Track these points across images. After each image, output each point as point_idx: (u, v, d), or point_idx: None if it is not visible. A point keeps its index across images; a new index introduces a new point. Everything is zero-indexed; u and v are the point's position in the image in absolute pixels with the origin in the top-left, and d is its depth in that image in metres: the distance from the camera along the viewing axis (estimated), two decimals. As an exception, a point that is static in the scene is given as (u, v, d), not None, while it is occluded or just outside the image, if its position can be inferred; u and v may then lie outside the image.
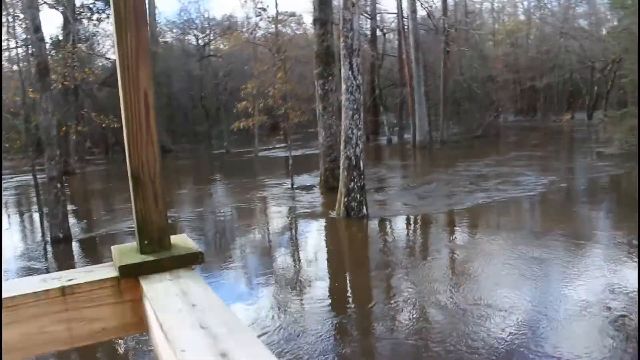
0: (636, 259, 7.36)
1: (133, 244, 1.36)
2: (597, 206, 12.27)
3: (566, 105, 47.98)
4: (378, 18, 35.24)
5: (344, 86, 10.96)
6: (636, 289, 6.12)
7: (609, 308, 5.76)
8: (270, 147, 29.31)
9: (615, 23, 40.11)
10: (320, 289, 7.21)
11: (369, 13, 32.44)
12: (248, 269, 8.33)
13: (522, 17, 54.28)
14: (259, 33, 27.50)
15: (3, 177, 15.47)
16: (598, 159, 19.84)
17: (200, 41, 37.74)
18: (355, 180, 10.98)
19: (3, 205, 12.90)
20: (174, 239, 1.37)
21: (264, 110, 18.19)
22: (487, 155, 22.36)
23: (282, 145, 27.90)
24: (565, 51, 45.32)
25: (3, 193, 15.57)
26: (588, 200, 12.85)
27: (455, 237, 9.84)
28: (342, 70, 10.96)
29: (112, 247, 1.40)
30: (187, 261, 1.31)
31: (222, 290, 7.02)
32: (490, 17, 52.93)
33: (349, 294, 7.20)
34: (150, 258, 1.27)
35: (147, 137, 1.25)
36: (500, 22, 54.09)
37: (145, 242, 1.30)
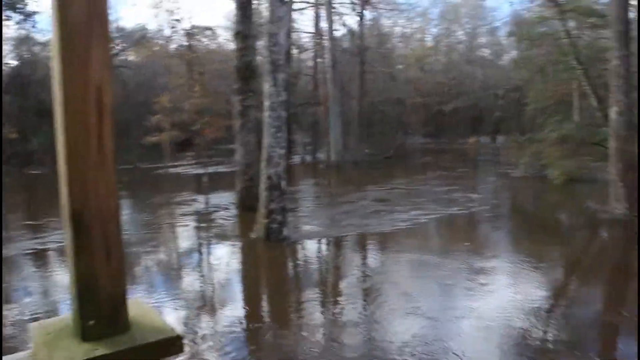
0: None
1: (66, 319, 0.86)
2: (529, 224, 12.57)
3: (471, 129, 50.00)
4: (294, 36, 35.15)
5: (267, 103, 10.51)
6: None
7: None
8: (182, 163, 28.23)
9: (514, 54, 42.47)
10: (237, 312, 6.69)
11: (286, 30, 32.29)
12: (155, 292, 7.60)
13: (430, 44, 56.21)
14: (173, 46, 26.59)
15: None
16: (509, 181, 20.54)
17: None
18: (276, 200, 10.53)
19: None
20: (132, 311, 0.89)
21: (178, 125, 17.38)
22: (400, 176, 22.62)
23: (195, 162, 26.96)
24: (471, 78, 47.39)
25: None
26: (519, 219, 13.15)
27: (376, 259, 9.67)
28: (266, 86, 10.52)
29: (31, 325, 0.89)
30: (157, 351, 0.83)
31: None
32: (401, 41, 54.37)
33: (266, 319, 6.70)
34: (99, 351, 0.79)
35: (99, 156, 0.79)
36: (410, 48, 55.69)
37: (90, 322, 0.81)
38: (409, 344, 5.44)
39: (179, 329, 4.65)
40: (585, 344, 5.67)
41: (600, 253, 10.50)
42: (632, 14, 13.33)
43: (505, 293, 7.29)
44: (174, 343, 0.83)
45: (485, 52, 51.41)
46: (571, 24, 22.74)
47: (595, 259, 9.98)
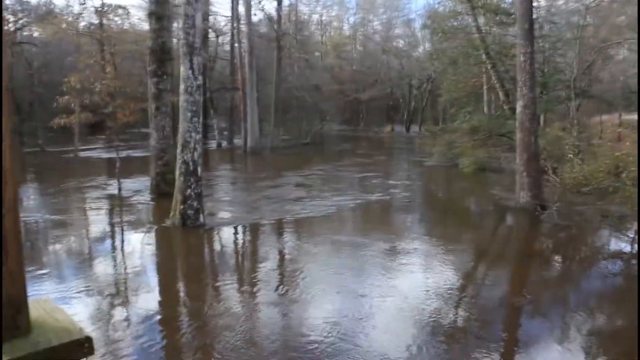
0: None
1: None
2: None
3: (386, 118, 51.19)
4: (211, 19, 34.46)
5: (182, 86, 10.25)
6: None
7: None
8: (93, 147, 27.11)
9: (428, 46, 43.82)
10: (152, 299, 6.54)
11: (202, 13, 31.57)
12: (65, 281, 7.27)
13: (347, 32, 56.84)
14: (83, 23, 25.34)
15: None
16: (422, 169, 21.17)
17: (10, 25, 33.81)
18: (193, 186, 10.33)
19: None
20: (36, 312, 0.82)
21: (89, 107, 16.62)
22: (318, 162, 22.82)
23: (106, 145, 25.95)
24: (387, 67, 48.38)
25: None
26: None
27: (294, 245, 9.72)
28: (182, 69, 10.24)
29: None
30: (65, 355, 0.78)
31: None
32: (318, 28, 54.64)
33: (181, 307, 6.59)
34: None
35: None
36: (327, 35, 56.10)
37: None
38: (323, 320, 5.53)
39: (87, 327, 4.44)
40: (493, 322, 5.98)
41: (506, 238, 11.08)
42: (535, 14, 14.07)
43: (422, 274, 7.55)
44: (83, 345, 0.78)
45: (401, 43, 52.58)
46: (481, 19, 23.68)
47: (502, 243, 10.53)
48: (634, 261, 8.74)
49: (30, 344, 0.67)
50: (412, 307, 6.24)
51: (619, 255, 9.26)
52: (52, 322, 0.74)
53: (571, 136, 17.34)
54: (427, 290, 6.87)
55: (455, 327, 5.83)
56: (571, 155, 14.58)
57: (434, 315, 6.04)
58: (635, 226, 10.84)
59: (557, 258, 9.23)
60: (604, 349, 5.44)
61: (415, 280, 7.43)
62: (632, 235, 10.46)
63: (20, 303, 0.70)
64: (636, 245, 9.72)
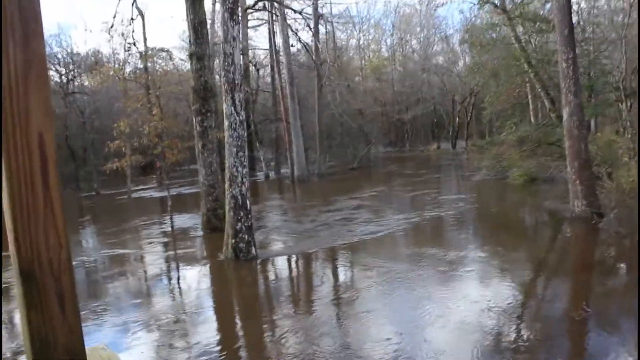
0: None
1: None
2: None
3: (431, 135, 50.80)
4: (250, 54, 35.21)
5: (226, 122, 10.48)
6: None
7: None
8: (145, 187, 27.85)
9: (468, 60, 43.48)
10: (209, 335, 6.59)
11: (241, 49, 32.29)
12: (126, 318, 7.43)
13: (385, 54, 56.97)
14: (128, 69, 26.30)
15: None
16: (472, 184, 20.84)
17: (63, 77, 35.44)
18: (243, 220, 10.47)
19: None
20: (94, 359, 0.87)
21: (139, 149, 17.16)
22: (366, 186, 22.76)
23: (158, 185, 26.63)
24: (428, 85, 48.17)
25: None
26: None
27: (345, 271, 9.70)
28: (224, 106, 10.48)
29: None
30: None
31: (99, 340, 6.19)
32: (357, 53, 54.97)
33: (241, 341, 6.63)
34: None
35: (46, 207, 0.77)
36: (366, 59, 56.37)
37: (48, 378, 0.79)
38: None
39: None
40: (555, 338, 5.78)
41: (564, 248, 10.73)
42: (576, 18, 13.77)
43: (482, 287, 7.39)
44: None
45: (440, 60, 52.32)
46: (520, 29, 23.36)
47: (560, 254, 10.20)
48: None
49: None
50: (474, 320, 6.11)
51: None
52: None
53: (624, 139, 16.79)
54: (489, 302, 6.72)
55: (518, 343, 5.66)
56: (626, 159, 14.09)
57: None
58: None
59: (621, 266, 8.88)
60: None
61: (471, 298, 7.27)
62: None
63: (79, 353, 0.74)
64: None
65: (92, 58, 35.73)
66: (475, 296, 7.38)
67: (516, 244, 10.98)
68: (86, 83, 36.41)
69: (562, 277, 8.53)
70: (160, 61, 27.80)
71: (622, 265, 8.96)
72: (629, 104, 19.14)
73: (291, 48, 28.89)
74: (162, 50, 24.08)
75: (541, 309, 6.90)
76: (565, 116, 12.02)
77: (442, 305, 6.99)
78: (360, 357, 5.71)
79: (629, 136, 16.69)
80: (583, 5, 25.84)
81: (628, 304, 6.92)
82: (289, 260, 11.12)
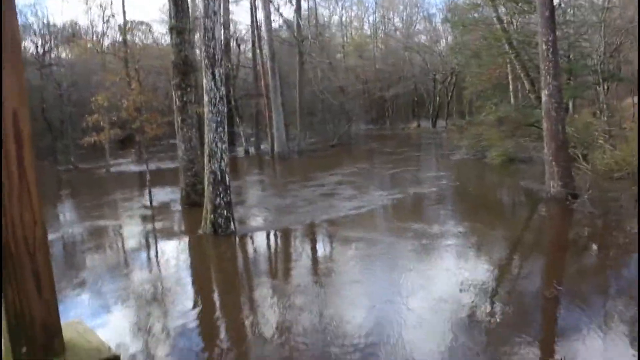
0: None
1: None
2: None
3: (412, 114, 50.91)
4: (231, 28, 34.79)
5: (206, 98, 10.40)
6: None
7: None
8: (124, 161, 27.57)
9: (450, 40, 43.50)
10: (187, 308, 6.64)
11: (221, 23, 31.87)
12: (104, 291, 7.44)
13: (368, 32, 56.68)
14: (107, 42, 25.85)
15: None
16: (452, 163, 21.01)
17: (39, 48, 34.67)
18: (222, 195, 10.46)
19: None
20: (69, 334, 0.89)
21: (117, 123, 16.94)
22: (347, 163, 22.81)
23: (136, 159, 26.36)
24: (410, 64, 48.13)
25: None
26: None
27: (323, 246, 9.80)
28: (205, 81, 10.40)
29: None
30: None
31: (78, 311, 6.22)
32: (339, 30, 54.60)
33: (218, 313, 6.69)
34: (31, 382, 0.78)
35: (21, 186, 0.78)
36: (348, 36, 56.04)
37: (23, 349, 0.81)
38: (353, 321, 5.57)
39: (125, 333, 4.55)
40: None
41: (538, 228, 10.92)
42: (556, 0, 13.83)
43: (455, 269, 7.52)
44: None
45: (423, 39, 52.19)
46: (502, 9, 23.37)
47: (535, 233, 10.38)
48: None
49: (66, 366, 0.72)
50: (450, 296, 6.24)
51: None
52: (84, 343, 0.79)
53: (601, 121, 17.02)
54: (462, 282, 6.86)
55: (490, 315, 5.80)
56: (602, 141, 14.31)
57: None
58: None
59: (593, 246, 9.08)
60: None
61: (448, 274, 7.40)
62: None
63: (55, 328, 0.75)
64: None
65: (70, 30, 34.98)
66: (454, 271, 7.55)
67: (493, 222, 11.17)
68: (63, 55, 35.72)
69: (536, 255, 8.71)
70: (140, 34, 27.41)
71: (594, 245, 9.18)
72: (606, 87, 19.38)
73: (273, 24, 28.62)
74: (142, 23, 23.68)
75: (515, 286, 7.07)
76: (544, 98, 12.13)
77: (423, 277, 7.12)
78: (340, 324, 5.81)
79: (605, 119, 16.93)
80: (565, -13, 25.93)
81: (598, 282, 7.13)
82: (268, 236, 11.18)
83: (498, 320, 5.86)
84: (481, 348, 5.18)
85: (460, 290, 6.68)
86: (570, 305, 6.22)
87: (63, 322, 0.87)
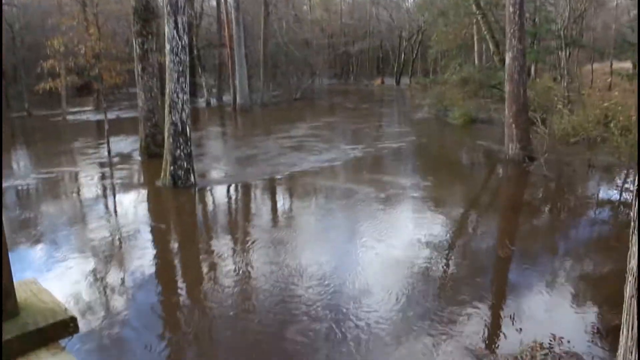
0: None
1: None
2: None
3: (376, 70, 50.74)
4: (196, -26, 33.67)
5: (168, 46, 10.14)
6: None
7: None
8: (82, 109, 26.82)
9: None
10: (145, 260, 6.63)
11: (185, -32, 30.79)
12: (59, 243, 7.35)
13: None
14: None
15: None
16: (414, 121, 21.14)
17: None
18: (182, 147, 10.34)
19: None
20: (23, 294, 0.87)
21: (75, 69, 16.37)
22: (309, 117, 22.74)
23: (95, 108, 25.71)
24: (377, 20, 47.70)
25: None
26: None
27: (281, 200, 9.86)
28: (166, 29, 10.11)
29: None
30: (51, 335, 0.82)
31: (34, 267, 6.16)
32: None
33: (176, 264, 6.71)
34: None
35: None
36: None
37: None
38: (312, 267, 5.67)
39: (83, 289, 4.51)
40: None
41: (494, 189, 11.18)
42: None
43: (412, 228, 7.68)
44: (68, 325, 0.81)
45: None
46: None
47: (491, 194, 10.63)
48: (622, 208, 8.88)
49: (18, 327, 0.70)
50: (405, 257, 6.39)
51: (606, 203, 9.41)
52: (39, 303, 0.77)
53: (561, 87, 17.31)
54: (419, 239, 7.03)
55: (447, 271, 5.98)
56: (560, 106, 14.58)
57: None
58: (623, 174, 11.02)
59: (545, 208, 9.36)
60: (590, 293, 5.59)
61: (405, 232, 7.56)
62: (619, 184, 10.62)
63: (8, 288, 0.73)
64: (623, 193, 9.86)
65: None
66: (412, 229, 7.72)
67: (454, 180, 11.46)
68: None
69: (491, 215, 8.95)
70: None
71: (546, 207, 9.45)
72: (568, 53, 19.63)
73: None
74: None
75: (471, 243, 7.28)
76: (507, 60, 12.24)
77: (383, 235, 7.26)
78: (298, 276, 5.90)
79: (565, 84, 17.21)
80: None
81: (548, 243, 7.39)
82: (228, 189, 11.14)
83: (455, 275, 6.04)
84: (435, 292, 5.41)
85: (417, 247, 6.85)
86: (521, 264, 6.45)
87: (16, 281, 0.84)
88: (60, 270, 6.35)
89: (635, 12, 24.02)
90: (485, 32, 23.11)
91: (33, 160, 14.80)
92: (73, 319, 0.77)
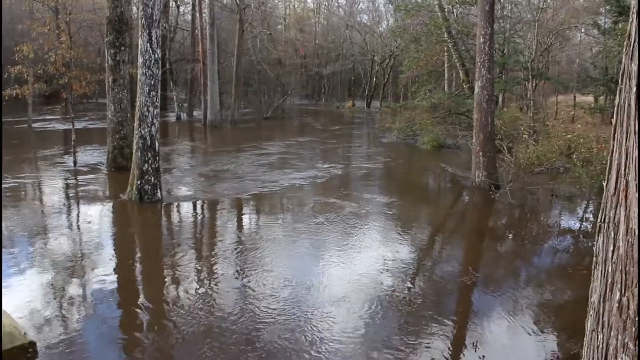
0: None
1: None
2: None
3: (348, 93, 51.23)
4: (171, -12, 33.69)
5: (140, 59, 10.07)
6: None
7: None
8: (48, 118, 26.35)
9: (392, 22, 43.89)
10: (106, 274, 6.50)
11: (161, -18, 30.76)
12: (19, 255, 7.14)
13: (311, 5, 56.27)
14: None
15: None
16: (382, 145, 21.33)
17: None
18: (150, 161, 10.22)
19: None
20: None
21: (43, 77, 16.12)
22: (277, 137, 22.78)
23: (62, 117, 25.27)
24: (350, 42, 48.28)
25: None
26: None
27: (247, 219, 9.82)
28: (140, 42, 10.05)
29: None
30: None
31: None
32: (282, 1, 53.94)
33: (140, 281, 6.60)
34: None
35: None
36: (290, 8, 55.48)
37: None
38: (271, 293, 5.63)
39: (41, 304, 4.39)
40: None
41: (460, 216, 11.31)
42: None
43: (378, 250, 7.70)
44: (27, 350, 0.79)
45: (365, 18, 52.37)
46: (444, -2, 23.73)
47: (457, 221, 10.76)
48: (582, 237, 9.10)
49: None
50: (370, 279, 6.40)
51: (568, 232, 9.62)
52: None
53: (527, 117, 17.74)
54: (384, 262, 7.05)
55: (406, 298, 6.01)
56: (526, 136, 14.94)
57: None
58: (584, 205, 11.31)
59: (509, 236, 9.52)
60: (551, 320, 5.68)
61: (371, 255, 7.58)
62: (580, 214, 10.89)
63: None
64: (584, 223, 10.12)
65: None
66: (376, 252, 7.75)
67: (421, 206, 11.52)
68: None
69: (456, 241, 9.07)
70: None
71: (510, 234, 9.62)
72: (534, 84, 20.17)
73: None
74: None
75: (435, 270, 7.33)
76: (476, 89, 12.49)
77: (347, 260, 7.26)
78: (258, 290, 5.85)
79: (531, 115, 17.65)
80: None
81: (511, 269, 7.52)
82: (194, 205, 11.03)
83: (419, 300, 6.08)
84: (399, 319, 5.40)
85: (382, 272, 6.88)
86: (484, 291, 6.53)
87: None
88: (17, 282, 6.18)
89: (597, 48, 24.85)
90: (456, 60, 23.62)
91: (-5, 167, 14.43)
92: (32, 344, 0.74)
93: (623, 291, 2.76)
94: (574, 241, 9.10)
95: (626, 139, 2.76)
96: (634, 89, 2.73)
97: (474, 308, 6.19)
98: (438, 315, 5.66)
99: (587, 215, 10.67)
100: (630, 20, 2.86)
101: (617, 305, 2.78)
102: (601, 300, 2.88)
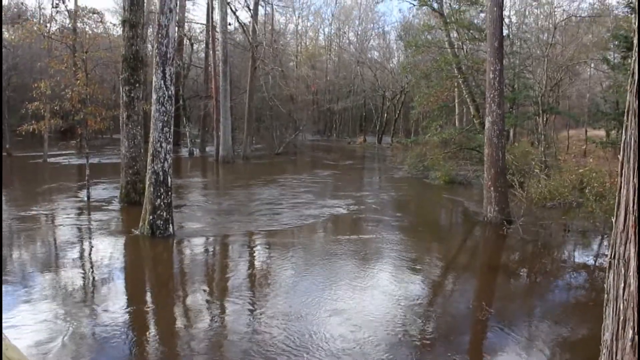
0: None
1: None
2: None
3: (359, 128, 51.58)
4: (186, 27, 34.40)
5: (154, 96, 10.25)
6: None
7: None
8: (63, 152, 26.71)
9: (402, 58, 44.38)
10: (115, 310, 6.50)
11: (177, 21, 31.46)
12: (30, 290, 7.17)
13: (322, 43, 57.14)
14: (55, 27, 25.03)
15: None
16: (394, 180, 21.34)
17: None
18: (162, 197, 10.31)
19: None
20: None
21: (60, 113, 16.42)
22: (289, 172, 22.88)
23: (77, 152, 25.61)
24: (361, 79, 48.81)
25: None
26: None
27: (259, 255, 9.79)
28: (154, 79, 10.25)
29: None
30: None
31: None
32: (294, 38, 54.80)
33: (151, 316, 6.58)
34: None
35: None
36: (302, 45, 56.32)
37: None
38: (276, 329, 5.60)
39: (53, 337, 4.38)
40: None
41: (473, 251, 11.23)
42: (506, 30, 14.41)
43: (391, 285, 7.65)
44: None
45: (375, 55, 53.06)
46: (454, 34, 24.05)
47: (469, 256, 10.68)
48: (598, 272, 8.98)
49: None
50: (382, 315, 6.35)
51: (582, 267, 9.50)
52: None
53: (538, 151, 17.72)
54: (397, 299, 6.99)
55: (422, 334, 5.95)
56: (537, 171, 14.90)
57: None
58: (598, 240, 11.19)
59: (522, 271, 9.43)
60: (565, 358, 5.58)
61: (385, 289, 7.53)
62: (595, 249, 10.77)
63: None
64: (598, 259, 10.00)
65: (15, 10, 33.70)
66: (389, 287, 7.70)
67: (433, 241, 11.45)
68: (6, 35, 34.36)
69: (469, 276, 8.97)
70: (90, 22, 26.66)
71: (523, 270, 9.52)
72: (545, 119, 20.21)
73: (228, 26, 28.48)
74: (94, 12, 23.03)
75: (447, 307, 7.25)
76: (487, 124, 12.54)
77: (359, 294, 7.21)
78: (271, 330, 5.82)
79: (542, 149, 17.63)
80: (514, 19, 26.99)
81: (525, 305, 7.42)
82: (207, 241, 11.05)
83: (431, 337, 6.01)
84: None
85: (395, 305, 6.83)
86: (499, 327, 6.44)
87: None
88: (26, 318, 6.20)
89: (608, 83, 24.93)
90: (466, 96, 23.78)
91: (9, 201, 14.58)
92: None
93: (636, 329, 2.73)
94: (588, 276, 8.98)
95: (633, 176, 2.77)
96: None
97: (488, 343, 6.10)
98: (451, 350, 5.59)
99: (601, 250, 10.55)
100: (633, 58, 2.90)
101: (630, 343, 2.75)
102: (614, 338, 2.85)
